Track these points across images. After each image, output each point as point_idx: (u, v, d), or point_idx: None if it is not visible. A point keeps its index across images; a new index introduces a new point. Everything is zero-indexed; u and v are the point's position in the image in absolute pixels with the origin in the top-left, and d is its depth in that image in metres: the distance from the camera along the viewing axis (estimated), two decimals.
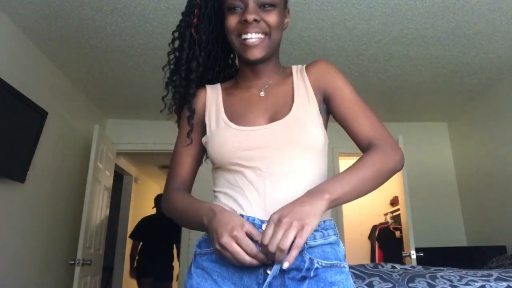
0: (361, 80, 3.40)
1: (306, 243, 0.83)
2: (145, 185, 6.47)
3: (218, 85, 1.06)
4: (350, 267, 1.80)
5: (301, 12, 2.51)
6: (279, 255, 0.71)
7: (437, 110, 4.14)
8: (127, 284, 5.49)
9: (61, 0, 2.37)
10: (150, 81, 3.37)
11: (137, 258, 4.44)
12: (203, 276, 0.87)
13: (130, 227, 5.61)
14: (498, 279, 1.63)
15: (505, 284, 1.58)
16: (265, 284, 0.78)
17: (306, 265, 0.82)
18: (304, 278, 0.82)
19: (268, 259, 0.75)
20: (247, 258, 0.75)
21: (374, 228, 5.07)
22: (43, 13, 2.48)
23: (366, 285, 1.63)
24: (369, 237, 5.16)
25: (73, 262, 3.03)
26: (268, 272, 0.80)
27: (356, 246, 5.01)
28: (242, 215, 0.85)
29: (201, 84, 1.05)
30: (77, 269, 2.99)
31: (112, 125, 4.25)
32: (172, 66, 1.03)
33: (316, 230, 0.86)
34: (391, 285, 1.62)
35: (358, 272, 1.74)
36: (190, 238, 3.90)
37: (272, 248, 0.71)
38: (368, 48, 2.93)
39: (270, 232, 0.72)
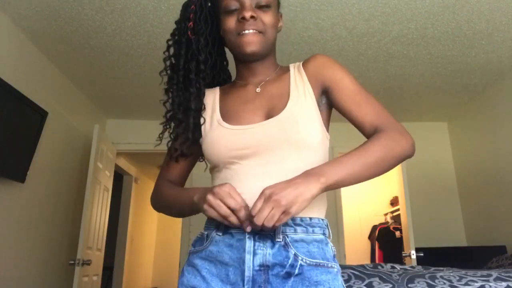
0: (361, 80, 3.35)
1: (287, 236, 0.84)
2: (145, 185, 6.47)
3: (217, 88, 1.07)
4: (350, 267, 1.80)
5: (301, 12, 2.51)
6: (263, 228, 0.75)
7: (437, 110, 4.14)
8: (127, 284, 5.50)
9: (61, 0, 2.37)
10: (150, 81, 3.37)
11: None
12: (193, 273, 0.89)
13: (130, 227, 5.62)
14: (497, 279, 1.63)
15: (504, 284, 1.58)
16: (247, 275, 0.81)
17: (290, 261, 0.82)
18: (288, 275, 0.82)
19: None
20: (232, 202, 0.78)
21: (374, 228, 5.08)
22: (43, 13, 2.48)
23: (365, 285, 1.63)
24: (369, 237, 5.16)
25: (73, 262, 3.03)
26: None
27: (356, 246, 5.01)
28: None
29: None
30: (77, 269, 2.99)
31: (112, 125, 4.25)
32: (169, 72, 1.03)
33: (298, 225, 0.86)
34: (390, 285, 1.62)
35: (357, 272, 1.74)
36: (190, 238, 3.90)
37: (258, 222, 0.74)
38: (368, 48, 2.93)
39: (259, 205, 0.75)
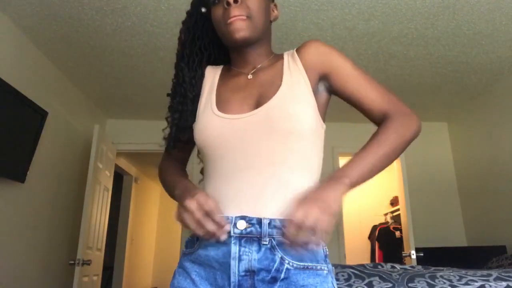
0: None
1: (273, 238, 0.81)
2: (145, 185, 6.47)
3: (220, 67, 1.06)
4: (350, 267, 1.80)
5: (301, 12, 2.51)
6: (306, 235, 0.71)
7: (437, 110, 4.14)
8: (127, 284, 5.50)
9: (61, 0, 2.37)
10: (150, 81, 3.37)
11: None
12: (183, 276, 0.88)
13: (130, 227, 5.62)
14: (497, 279, 1.63)
15: (504, 284, 1.58)
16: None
17: (275, 265, 0.80)
18: (274, 280, 0.80)
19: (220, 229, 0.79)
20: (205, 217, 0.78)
21: (374, 228, 5.07)
22: (43, 13, 2.48)
23: (365, 285, 1.63)
24: (369, 237, 5.16)
25: (73, 262, 3.03)
26: None
27: (356, 246, 5.01)
28: None
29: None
30: (77, 269, 2.99)
31: (112, 125, 4.25)
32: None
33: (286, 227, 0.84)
34: (390, 285, 1.62)
35: (357, 272, 1.74)
36: None
37: (306, 225, 0.70)
38: (368, 48, 2.93)
39: (300, 212, 0.71)
